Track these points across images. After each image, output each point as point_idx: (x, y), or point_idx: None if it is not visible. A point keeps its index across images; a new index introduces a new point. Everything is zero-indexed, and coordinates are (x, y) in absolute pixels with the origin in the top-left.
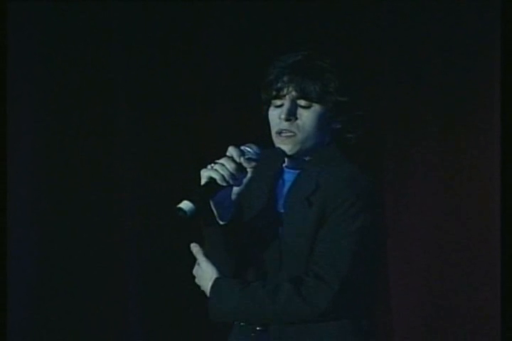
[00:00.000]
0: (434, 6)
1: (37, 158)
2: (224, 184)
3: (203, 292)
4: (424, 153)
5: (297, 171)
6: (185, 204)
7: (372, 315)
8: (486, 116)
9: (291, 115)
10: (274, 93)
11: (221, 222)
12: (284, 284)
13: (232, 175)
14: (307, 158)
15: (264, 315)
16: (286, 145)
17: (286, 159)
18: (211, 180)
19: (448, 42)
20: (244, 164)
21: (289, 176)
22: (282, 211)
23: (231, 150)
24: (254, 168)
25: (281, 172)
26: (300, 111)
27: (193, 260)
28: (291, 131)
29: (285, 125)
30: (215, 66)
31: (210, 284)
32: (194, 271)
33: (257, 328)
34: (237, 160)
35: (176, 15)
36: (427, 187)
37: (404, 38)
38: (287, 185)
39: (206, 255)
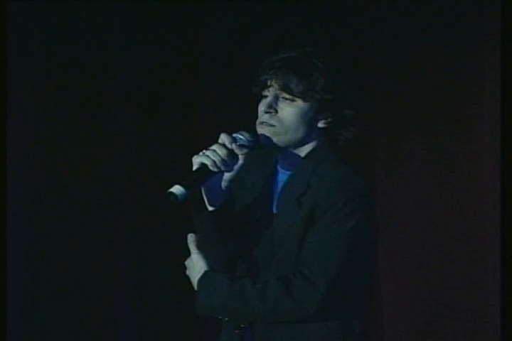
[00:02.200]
0: (433, 5)
1: (37, 158)
2: (215, 170)
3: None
4: (419, 150)
5: (291, 172)
6: (177, 189)
7: (364, 315)
8: (485, 113)
9: (271, 108)
10: (260, 84)
11: (210, 208)
12: (273, 283)
13: (223, 161)
14: (302, 155)
15: (253, 313)
16: (266, 134)
17: (279, 159)
18: (202, 166)
19: (446, 40)
20: (236, 151)
21: (283, 177)
22: (275, 211)
23: (223, 137)
24: (245, 154)
25: (276, 173)
26: (282, 105)
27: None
28: (270, 124)
29: (265, 117)
30: (213, 64)
31: (198, 276)
32: (186, 263)
33: (241, 325)
34: (229, 146)
35: (176, 15)
36: (421, 184)
37: (400, 36)
38: (280, 185)
39: (199, 247)
